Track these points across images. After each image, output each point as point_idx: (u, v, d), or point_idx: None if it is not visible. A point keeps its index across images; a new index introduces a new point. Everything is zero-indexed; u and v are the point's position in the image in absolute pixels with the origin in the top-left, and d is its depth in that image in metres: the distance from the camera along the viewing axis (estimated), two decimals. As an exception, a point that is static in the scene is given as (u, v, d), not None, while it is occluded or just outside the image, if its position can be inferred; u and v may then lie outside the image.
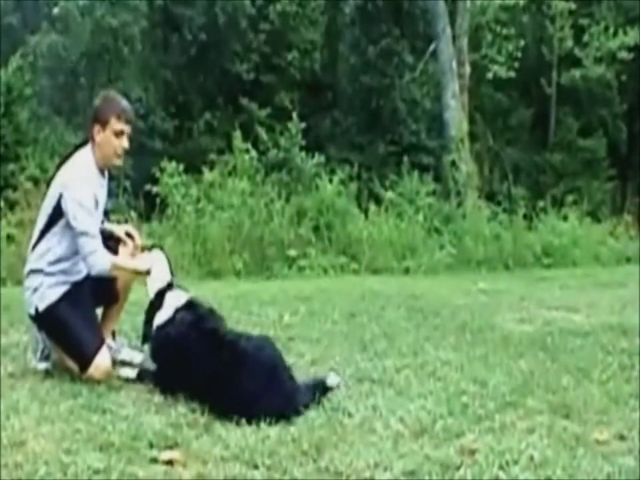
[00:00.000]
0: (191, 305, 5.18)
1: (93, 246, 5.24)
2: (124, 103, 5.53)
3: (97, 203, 5.38)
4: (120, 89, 15.11)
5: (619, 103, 26.23)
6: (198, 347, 4.87)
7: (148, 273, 5.38)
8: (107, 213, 6.06)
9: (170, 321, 5.09)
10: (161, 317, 5.15)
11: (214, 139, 20.67)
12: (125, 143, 5.45)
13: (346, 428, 4.33)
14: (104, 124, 5.38)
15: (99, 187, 5.46)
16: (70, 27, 21.57)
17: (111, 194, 6.05)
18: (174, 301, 5.19)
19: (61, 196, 5.27)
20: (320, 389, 4.92)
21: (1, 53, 17.67)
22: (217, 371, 4.68)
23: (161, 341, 5.13)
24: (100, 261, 5.27)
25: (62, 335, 5.39)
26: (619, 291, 10.97)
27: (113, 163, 5.55)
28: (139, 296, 5.93)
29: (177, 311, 5.12)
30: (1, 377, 5.33)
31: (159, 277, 5.35)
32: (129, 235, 5.78)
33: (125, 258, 5.60)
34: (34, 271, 5.42)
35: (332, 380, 5.11)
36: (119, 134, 5.41)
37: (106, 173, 5.70)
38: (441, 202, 16.91)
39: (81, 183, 5.28)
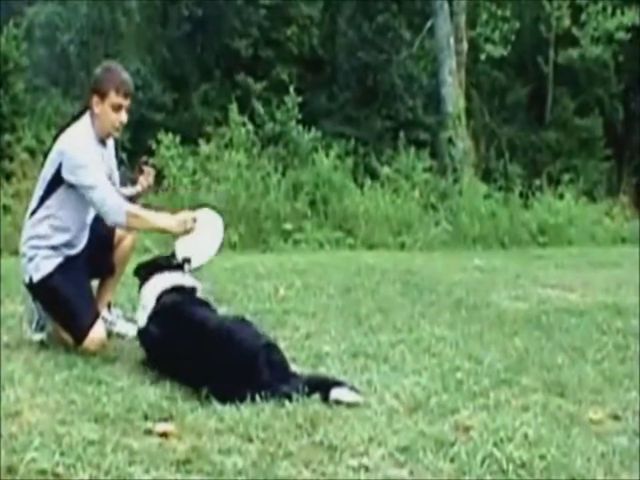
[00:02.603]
0: (175, 289, 5.08)
1: (102, 195, 5.13)
2: (124, 75, 5.42)
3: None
4: (117, 60, 15.04)
5: (615, 83, 26.15)
6: (178, 333, 4.77)
7: (186, 231, 5.27)
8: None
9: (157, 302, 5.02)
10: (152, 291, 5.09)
11: (210, 111, 20.57)
12: (123, 117, 5.37)
13: (341, 402, 4.33)
14: (102, 96, 5.29)
15: (97, 156, 5.37)
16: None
17: (119, 166, 5.96)
18: (166, 280, 5.12)
19: (60, 165, 5.21)
20: (319, 388, 4.43)
21: (-1, 23, 17.57)
22: (197, 356, 4.59)
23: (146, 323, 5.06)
24: (112, 209, 5.15)
25: (56, 307, 5.38)
26: (614, 271, 11.00)
27: (111, 134, 5.49)
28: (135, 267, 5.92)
29: (163, 292, 5.03)
30: (-4, 347, 5.33)
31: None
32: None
33: (155, 214, 5.43)
34: (31, 238, 5.37)
35: (337, 393, 4.40)
36: (117, 108, 5.32)
37: (110, 143, 5.66)
38: (437, 178, 16.90)
39: (79, 151, 5.19)
